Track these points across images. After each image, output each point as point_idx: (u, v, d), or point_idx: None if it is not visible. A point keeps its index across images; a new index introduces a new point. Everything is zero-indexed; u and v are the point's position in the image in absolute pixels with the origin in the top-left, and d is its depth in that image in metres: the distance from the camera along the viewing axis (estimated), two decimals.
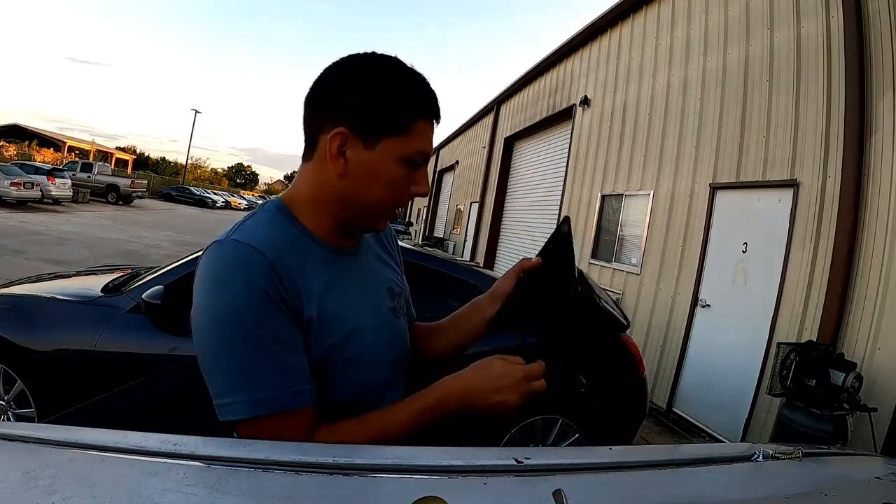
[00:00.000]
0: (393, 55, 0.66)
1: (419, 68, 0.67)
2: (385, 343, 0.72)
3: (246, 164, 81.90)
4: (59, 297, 2.39)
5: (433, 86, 0.68)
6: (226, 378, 0.56)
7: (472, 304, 0.86)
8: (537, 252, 0.81)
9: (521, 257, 0.83)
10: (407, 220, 18.87)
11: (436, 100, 0.67)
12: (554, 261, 0.78)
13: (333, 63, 0.66)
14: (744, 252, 3.83)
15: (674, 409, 4.30)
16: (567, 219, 0.79)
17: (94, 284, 2.57)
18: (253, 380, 0.56)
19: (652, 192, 5.08)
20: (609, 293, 5.37)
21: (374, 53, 0.66)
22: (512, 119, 10.30)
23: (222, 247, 0.59)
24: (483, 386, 0.64)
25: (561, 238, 0.78)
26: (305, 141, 0.67)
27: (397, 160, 0.63)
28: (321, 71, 0.67)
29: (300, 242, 0.64)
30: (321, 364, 0.62)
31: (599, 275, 5.89)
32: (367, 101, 0.62)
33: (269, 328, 0.56)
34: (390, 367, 0.73)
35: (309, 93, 0.66)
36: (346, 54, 0.67)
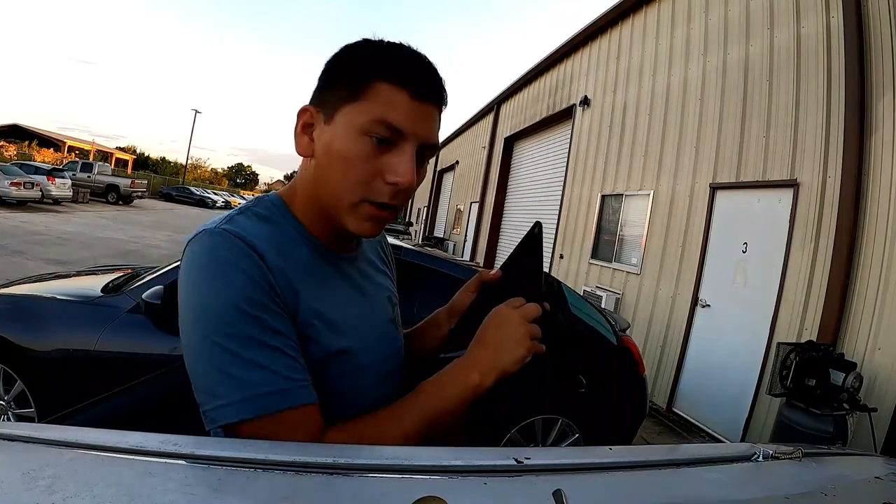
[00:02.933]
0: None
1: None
2: (388, 356, 0.67)
3: (246, 164, 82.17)
4: (59, 297, 2.39)
5: (422, 59, 0.57)
6: (220, 376, 0.48)
7: (432, 318, 0.78)
8: (502, 262, 0.70)
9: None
10: (407, 220, 18.88)
11: (405, 62, 0.55)
12: (517, 273, 0.67)
13: None
14: (744, 252, 3.83)
15: (674, 409, 4.30)
16: (538, 224, 0.67)
17: (94, 284, 2.58)
18: (255, 373, 0.49)
19: (652, 192, 5.08)
20: (604, 290, 5.38)
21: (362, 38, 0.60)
22: (512, 119, 10.30)
23: (212, 236, 0.52)
24: (490, 347, 0.58)
25: (528, 246, 0.67)
26: None
27: (355, 131, 0.54)
28: None
29: (295, 240, 0.59)
30: (314, 371, 0.55)
31: (599, 274, 5.89)
32: (328, 73, 0.58)
33: (265, 320, 0.50)
34: (388, 382, 0.67)
35: None
36: None
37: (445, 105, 0.59)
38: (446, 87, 0.59)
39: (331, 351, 0.57)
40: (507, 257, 0.68)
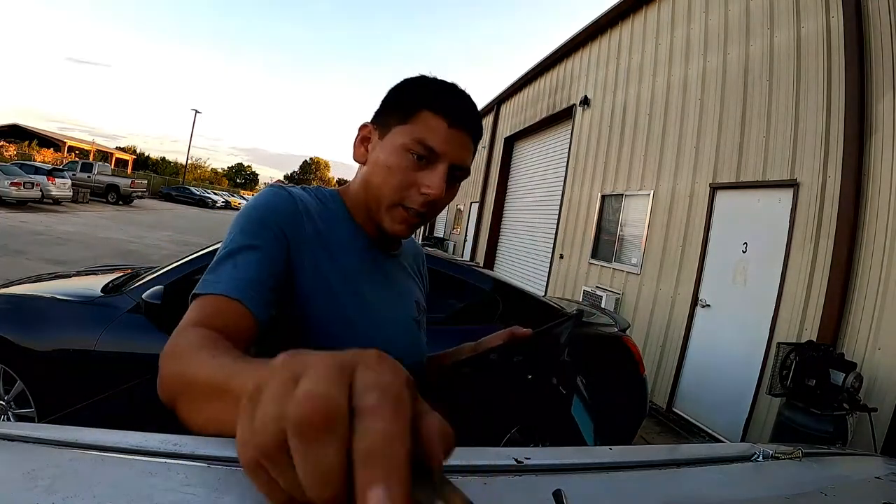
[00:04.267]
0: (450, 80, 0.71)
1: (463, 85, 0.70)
2: (403, 346, 0.71)
3: (246, 164, 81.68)
4: (59, 297, 2.39)
5: (463, 95, 0.69)
6: (214, 263, 0.58)
7: (458, 347, 0.83)
8: (539, 327, 0.72)
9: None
10: None
11: (448, 96, 0.67)
12: (545, 343, 0.71)
13: None
14: (744, 252, 3.83)
15: (674, 409, 4.30)
16: (581, 313, 0.70)
17: (94, 284, 2.58)
18: (227, 271, 0.56)
19: (652, 192, 5.08)
20: (604, 290, 5.37)
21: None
22: (512, 119, 10.30)
23: (269, 188, 0.67)
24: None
25: (564, 327, 0.71)
26: None
27: (398, 147, 0.65)
28: None
29: (341, 221, 0.69)
30: (325, 318, 0.62)
31: (599, 275, 5.89)
32: (388, 100, 0.69)
33: (265, 245, 0.59)
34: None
35: None
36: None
37: (479, 136, 0.70)
38: (481, 122, 0.70)
39: (345, 303, 0.64)
40: (544, 326, 0.74)
